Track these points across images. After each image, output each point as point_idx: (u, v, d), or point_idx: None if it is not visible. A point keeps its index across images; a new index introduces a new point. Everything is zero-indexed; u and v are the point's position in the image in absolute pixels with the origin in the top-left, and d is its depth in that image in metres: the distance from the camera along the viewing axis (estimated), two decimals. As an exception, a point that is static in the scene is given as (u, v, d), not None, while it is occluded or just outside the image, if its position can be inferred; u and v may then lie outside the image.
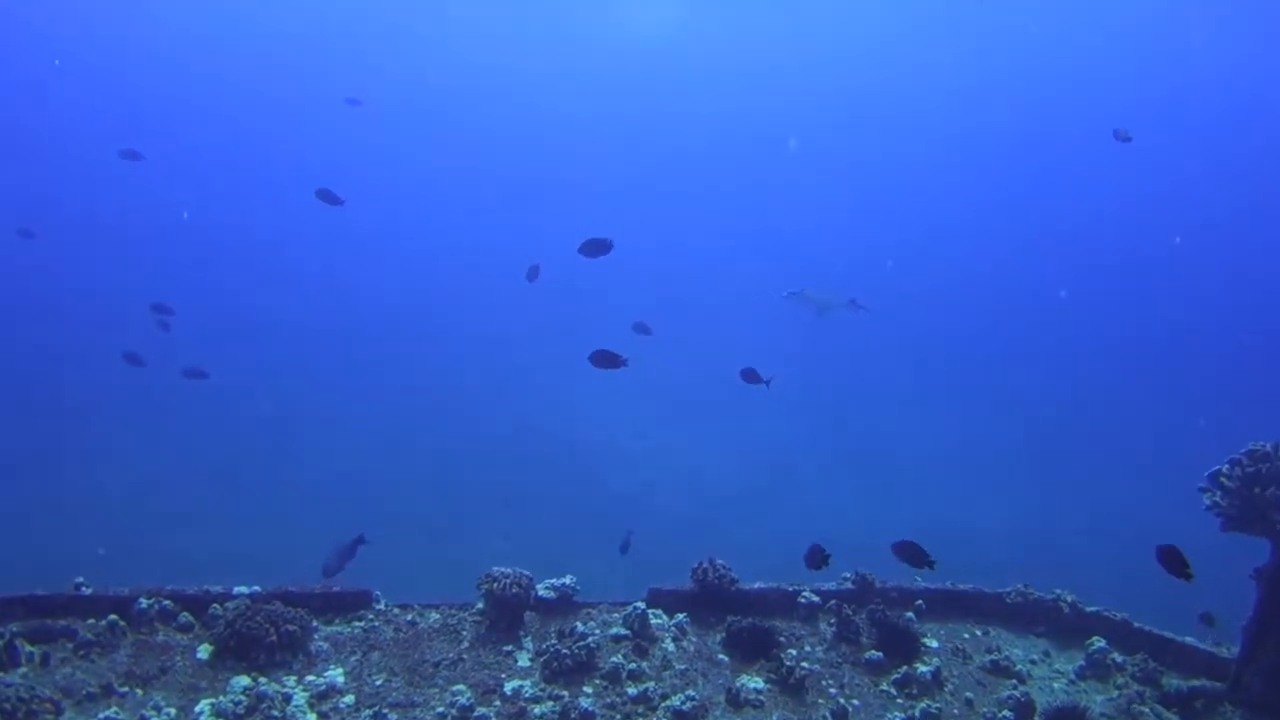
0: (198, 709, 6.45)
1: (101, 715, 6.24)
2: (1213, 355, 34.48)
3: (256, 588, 7.79)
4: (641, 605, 7.98)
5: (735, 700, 7.10)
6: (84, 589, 7.57)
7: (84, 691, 6.54)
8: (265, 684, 6.74)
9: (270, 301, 33.99)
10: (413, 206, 43.61)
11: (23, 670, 6.74)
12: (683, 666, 7.46)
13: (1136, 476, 23.45)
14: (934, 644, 8.15)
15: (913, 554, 7.19)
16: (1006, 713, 7.15)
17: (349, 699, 6.76)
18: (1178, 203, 42.04)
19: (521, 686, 6.99)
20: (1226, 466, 7.34)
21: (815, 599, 8.40)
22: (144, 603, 7.44)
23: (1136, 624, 8.40)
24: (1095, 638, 8.17)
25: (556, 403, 26.61)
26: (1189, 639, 8.21)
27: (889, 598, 8.47)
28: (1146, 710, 7.34)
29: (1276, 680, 7.20)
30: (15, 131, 38.57)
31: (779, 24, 45.14)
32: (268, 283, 35.31)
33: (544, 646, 7.37)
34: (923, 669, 7.54)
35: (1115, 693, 7.67)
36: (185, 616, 7.48)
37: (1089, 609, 8.61)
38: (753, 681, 7.30)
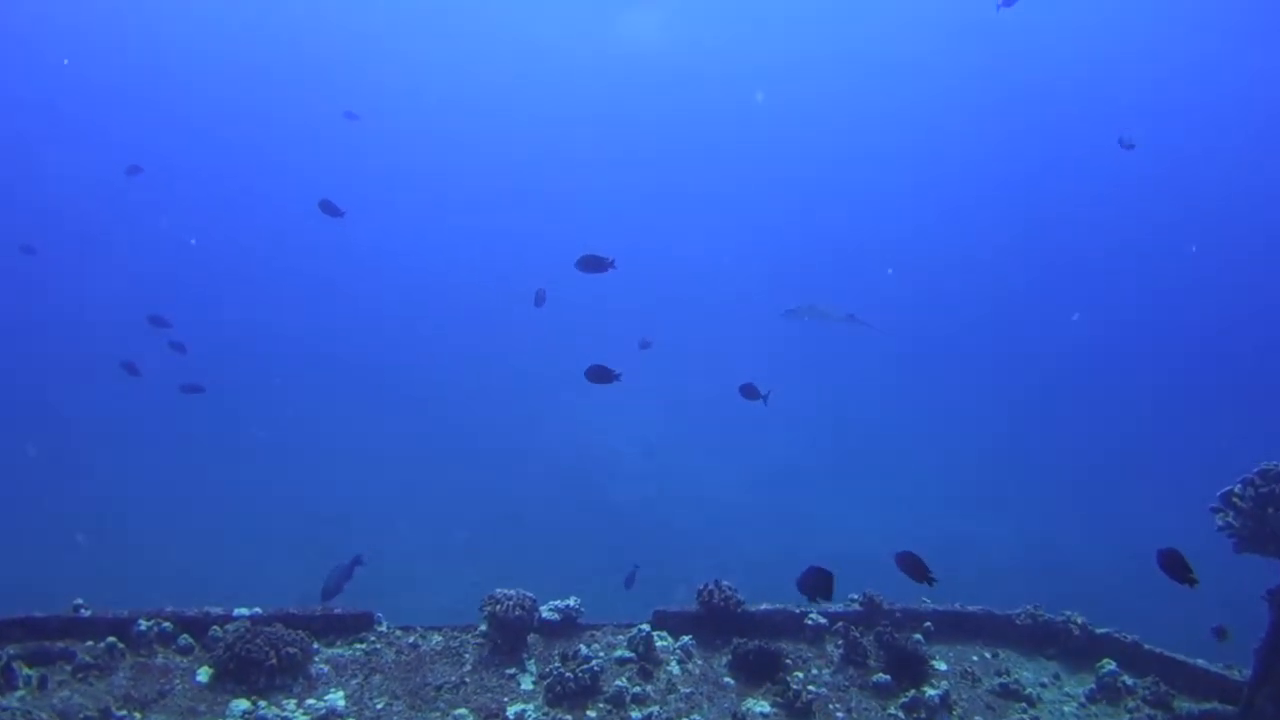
0: (196, 734, 6.38)
1: (99, 740, 6.16)
2: (1228, 366, 34.26)
3: (257, 609, 7.71)
4: (646, 627, 7.89)
5: (741, 724, 7.01)
6: (83, 611, 7.48)
7: (82, 715, 6.42)
8: (265, 708, 6.66)
9: (269, 315, 34.00)
10: (414, 219, 43.65)
11: (20, 693, 6.65)
12: (688, 690, 7.37)
13: (1148, 491, 23.26)
14: (943, 666, 8.05)
15: (914, 567, 7.04)
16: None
17: (349, 723, 6.69)
18: (1193, 211, 41.78)
19: (524, 710, 6.90)
20: (1239, 487, 7.24)
21: (822, 621, 8.31)
22: (143, 625, 7.36)
23: (1147, 646, 8.30)
24: (1106, 660, 8.07)
25: (562, 417, 26.52)
26: (1200, 661, 8.11)
27: (896, 619, 8.37)
28: (1159, 734, 7.25)
29: (1291, 704, 7.08)
30: (17, 148, 38.63)
31: (779, 30, 45.18)
32: (266, 297, 35.35)
33: (547, 669, 7.28)
34: (931, 692, 7.43)
35: (1126, 716, 7.57)
36: (185, 638, 7.40)
37: (1099, 631, 8.51)
38: (759, 705, 7.20)
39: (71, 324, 30.37)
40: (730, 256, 41.42)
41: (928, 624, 8.47)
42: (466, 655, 7.62)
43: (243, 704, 6.67)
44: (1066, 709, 7.69)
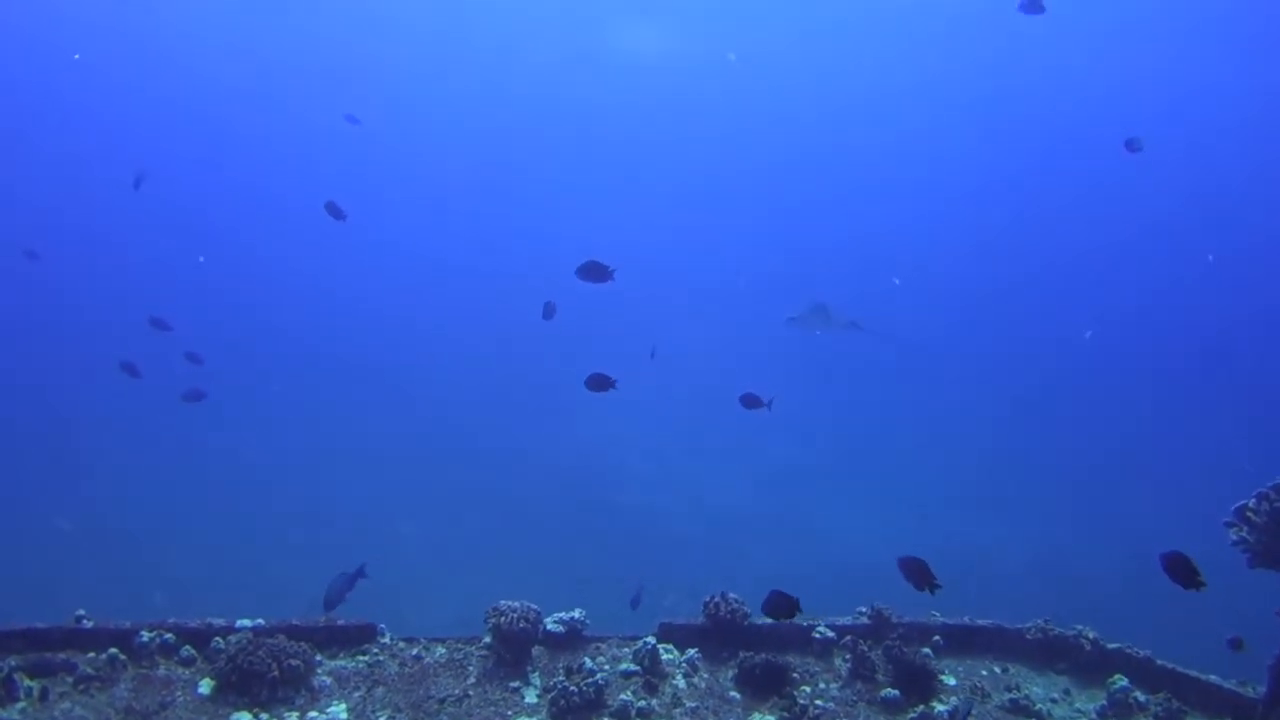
0: (197, 747, 6.34)
1: (99, 754, 6.12)
2: (1238, 369, 33.99)
3: (260, 621, 7.66)
4: (652, 640, 7.81)
5: (747, 740, 6.94)
6: (85, 621, 7.45)
7: (82, 728, 6.41)
8: (267, 720, 6.62)
9: (274, 318, 34.06)
10: (419, 225, 43.60)
11: (21, 705, 6.61)
12: (693, 704, 7.29)
13: (1158, 497, 23.09)
14: (952, 681, 7.95)
15: (918, 573, 6.92)
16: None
17: (352, 737, 6.64)
18: (1205, 211, 41.47)
19: (528, 725, 6.85)
20: (1254, 501, 7.13)
21: (830, 634, 8.22)
22: (145, 636, 7.32)
23: (1159, 661, 8.19)
24: (1117, 676, 7.96)
25: (569, 422, 26.46)
26: (1213, 678, 7.99)
27: (905, 633, 8.28)
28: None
29: (1306, 722, 6.97)
30: (20, 151, 38.77)
31: (780, 38, 45.15)
32: (271, 300, 35.39)
33: (551, 683, 7.21)
34: (940, 708, 7.34)
35: (1138, 733, 7.48)
36: (187, 650, 7.35)
37: (1110, 646, 8.39)
38: (765, 720, 7.13)
39: (75, 328, 30.39)
40: (736, 261, 41.26)
41: (937, 638, 8.37)
42: (470, 668, 7.56)
43: (244, 716, 6.63)
44: (1077, 726, 7.60)
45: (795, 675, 7.71)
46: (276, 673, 6.91)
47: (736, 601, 8.21)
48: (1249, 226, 40.71)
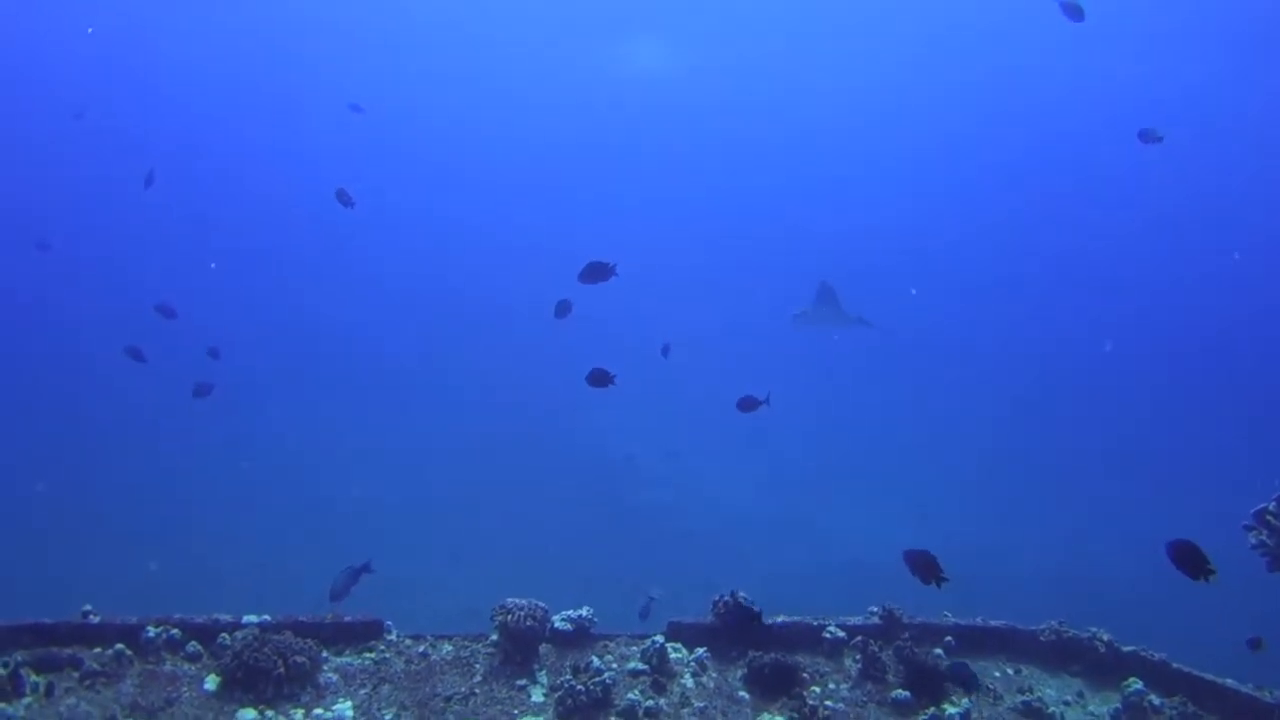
0: (201, 744, 6.30)
1: (103, 750, 6.09)
2: (1258, 374, 33.69)
3: (266, 617, 7.62)
4: (660, 639, 7.74)
5: (755, 741, 6.87)
6: (92, 617, 7.42)
7: (87, 724, 6.39)
8: (272, 718, 6.57)
9: (282, 313, 34.12)
10: (431, 219, 43.65)
11: (27, 700, 6.59)
12: (701, 704, 7.22)
13: (1177, 503, 22.88)
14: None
15: (925, 566, 6.81)
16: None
17: (357, 735, 6.59)
18: (1228, 215, 41.11)
19: (535, 724, 6.79)
20: (1273, 504, 7.05)
21: (841, 634, 8.13)
22: (151, 631, 7.29)
23: (1175, 664, 8.07)
24: (1132, 679, 7.83)
25: (581, 420, 26.44)
26: (1230, 681, 7.87)
27: (917, 634, 8.18)
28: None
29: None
30: (26, 145, 38.94)
31: (784, 51, 45.18)
32: (280, 295, 35.46)
33: (558, 682, 7.15)
34: (952, 710, 7.24)
35: (1153, 738, 7.37)
36: (193, 645, 7.32)
37: (1126, 648, 8.28)
38: (774, 721, 7.05)
39: (82, 321, 30.48)
40: (748, 260, 41.16)
41: (949, 639, 8.27)
42: (477, 665, 7.51)
43: (250, 713, 6.59)
44: (1091, 729, 7.50)
45: (805, 675, 7.63)
46: (282, 670, 6.87)
47: (746, 600, 8.13)
48: (1266, 225, 40.37)
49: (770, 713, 7.16)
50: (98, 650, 7.09)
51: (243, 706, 6.68)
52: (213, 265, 32.38)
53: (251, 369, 26.31)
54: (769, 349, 29.77)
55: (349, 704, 6.87)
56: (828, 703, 7.26)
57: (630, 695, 7.08)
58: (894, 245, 42.54)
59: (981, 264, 42.03)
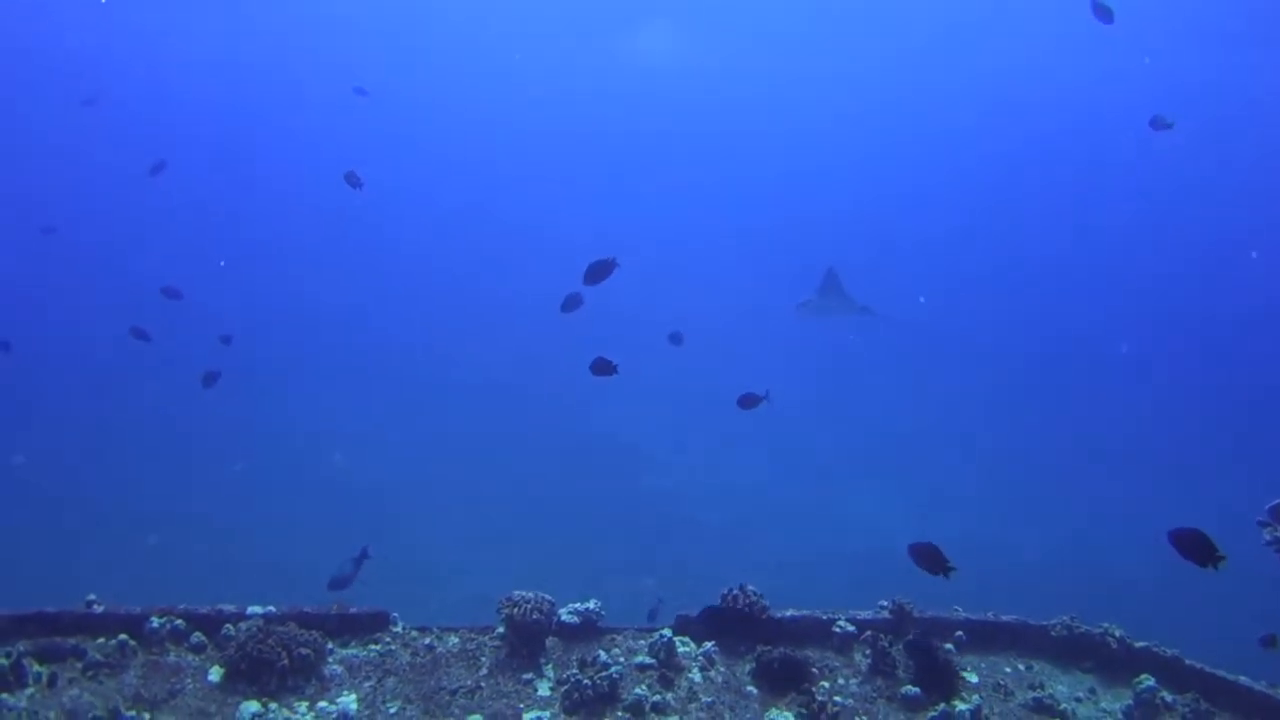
0: (205, 737, 6.25)
1: (106, 742, 6.05)
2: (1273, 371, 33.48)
3: (271, 608, 7.56)
4: (668, 633, 7.67)
5: (763, 736, 6.80)
6: (95, 607, 7.38)
7: (90, 715, 6.31)
8: (276, 710, 6.52)
9: (292, 301, 34.10)
10: (440, 209, 43.58)
11: (30, 690, 6.55)
12: (709, 699, 7.15)
13: (1190, 498, 22.70)
14: (974, 679, 7.77)
15: (930, 558, 6.73)
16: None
17: (361, 728, 6.54)
18: (1255, 212, 40.79)
19: (541, 718, 6.72)
20: (1290, 500, 6.93)
21: (850, 628, 8.05)
22: (155, 622, 7.24)
23: (1188, 661, 7.98)
24: (1144, 676, 7.74)
25: (595, 409, 26.35)
26: (1243, 678, 7.78)
27: (927, 628, 8.10)
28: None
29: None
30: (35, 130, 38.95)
31: (792, 44, 44.98)
32: (292, 280, 35.44)
33: (565, 675, 7.09)
34: (962, 707, 7.15)
35: (1166, 735, 7.29)
36: (198, 636, 7.27)
37: (1138, 644, 8.19)
38: (782, 716, 6.95)
39: (90, 305, 30.42)
40: (761, 249, 40.99)
41: (959, 633, 8.19)
42: (483, 658, 7.45)
43: (253, 706, 6.53)
44: (1103, 727, 7.41)
45: (814, 670, 7.55)
46: (286, 662, 6.82)
47: (755, 594, 8.05)
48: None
49: (779, 708, 7.09)
50: (101, 640, 7.04)
51: (246, 699, 6.62)
52: (221, 263, 32.35)
53: (261, 355, 26.24)
54: (783, 338, 29.66)
55: (353, 697, 6.81)
56: (837, 698, 7.18)
57: (637, 689, 7.01)
58: (908, 236, 42.35)
59: (996, 256, 41.84)
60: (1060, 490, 24.36)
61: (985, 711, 7.21)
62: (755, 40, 44.83)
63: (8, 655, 6.61)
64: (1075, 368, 34.07)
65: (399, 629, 7.74)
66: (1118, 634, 8.24)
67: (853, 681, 7.57)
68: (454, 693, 6.97)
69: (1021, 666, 8.11)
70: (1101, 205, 43.08)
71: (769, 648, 7.56)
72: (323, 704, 6.69)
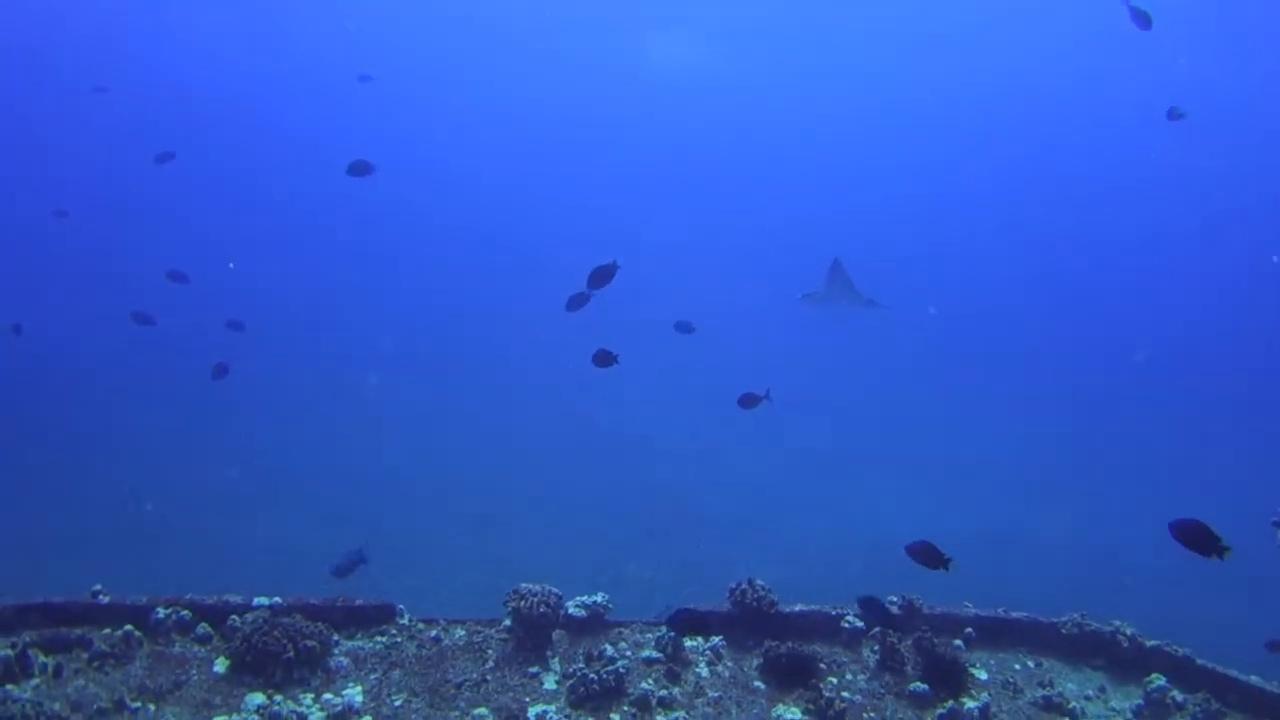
0: (209, 729, 6.23)
1: (111, 733, 6.03)
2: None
3: (277, 599, 7.54)
4: (674, 628, 7.63)
5: (770, 733, 6.75)
6: (101, 597, 7.37)
7: (95, 706, 6.30)
8: (281, 702, 6.49)
9: (303, 288, 34.13)
10: (454, 200, 43.57)
11: (35, 681, 6.54)
12: (716, 694, 7.11)
13: (1203, 499, 22.53)
14: (983, 675, 7.72)
15: (928, 555, 6.69)
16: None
17: (366, 720, 6.52)
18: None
19: (546, 712, 6.68)
20: (1305, 500, 6.85)
21: (859, 624, 8.00)
22: (161, 613, 7.23)
23: (1199, 661, 7.90)
24: (1155, 675, 7.68)
25: (608, 401, 26.29)
26: (1254, 679, 7.71)
27: (936, 625, 8.04)
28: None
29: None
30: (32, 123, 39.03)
31: (806, 49, 44.87)
32: (297, 270, 35.47)
33: (571, 669, 7.05)
34: (970, 704, 7.09)
35: (1176, 735, 7.22)
36: (203, 627, 7.26)
37: (1149, 643, 8.11)
38: (789, 712, 6.90)
39: (99, 295, 30.41)
40: (774, 244, 40.89)
41: (969, 630, 8.13)
42: (489, 651, 7.42)
43: (258, 698, 6.51)
44: (1112, 726, 7.35)
45: (822, 665, 7.50)
46: (292, 653, 6.80)
47: (764, 588, 8.00)
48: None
49: (785, 703, 7.04)
50: (107, 631, 7.04)
51: (252, 690, 6.61)
52: (231, 265, 32.34)
53: (269, 344, 26.25)
54: (797, 330, 29.55)
55: (359, 689, 6.78)
56: (844, 694, 7.14)
57: (644, 684, 6.98)
58: (921, 232, 42.22)
59: (1012, 252, 41.65)
60: (1073, 490, 24.19)
61: (994, 709, 7.17)
62: (771, 37, 44.82)
63: (13, 646, 6.60)
64: (1090, 365, 33.90)
65: (405, 621, 7.71)
66: (1129, 632, 8.17)
67: (861, 677, 7.52)
68: (459, 685, 6.94)
69: (1031, 664, 8.05)
70: (1122, 206, 42.86)
71: (777, 643, 7.52)
72: (328, 696, 6.66)
